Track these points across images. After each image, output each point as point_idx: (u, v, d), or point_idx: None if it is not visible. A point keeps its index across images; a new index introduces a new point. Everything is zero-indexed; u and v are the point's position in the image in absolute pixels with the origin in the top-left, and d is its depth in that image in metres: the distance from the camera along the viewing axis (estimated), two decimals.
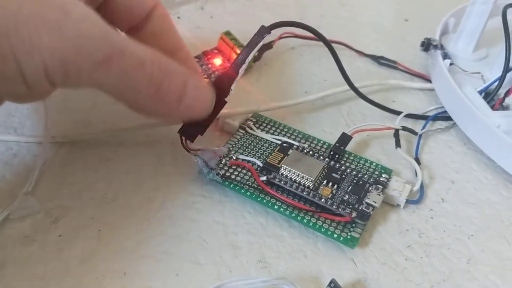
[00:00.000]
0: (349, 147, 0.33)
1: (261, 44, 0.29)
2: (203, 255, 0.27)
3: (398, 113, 0.37)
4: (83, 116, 0.34)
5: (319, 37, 0.32)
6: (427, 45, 0.41)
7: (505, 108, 0.37)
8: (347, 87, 0.36)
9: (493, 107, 0.36)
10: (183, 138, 0.29)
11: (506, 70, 0.36)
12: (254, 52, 0.29)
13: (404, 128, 0.35)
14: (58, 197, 0.29)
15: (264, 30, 0.29)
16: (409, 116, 0.37)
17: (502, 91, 0.37)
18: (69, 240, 0.27)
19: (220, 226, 0.28)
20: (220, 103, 0.29)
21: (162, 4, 0.29)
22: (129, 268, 0.26)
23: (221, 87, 0.29)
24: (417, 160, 0.34)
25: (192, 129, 0.29)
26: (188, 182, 0.31)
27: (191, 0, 0.47)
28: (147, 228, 0.28)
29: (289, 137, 0.34)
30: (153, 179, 0.30)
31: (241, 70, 0.29)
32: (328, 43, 0.33)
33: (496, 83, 0.37)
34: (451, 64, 0.40)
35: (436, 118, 0.38)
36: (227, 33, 0.40)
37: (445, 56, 0.40)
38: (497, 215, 0.31)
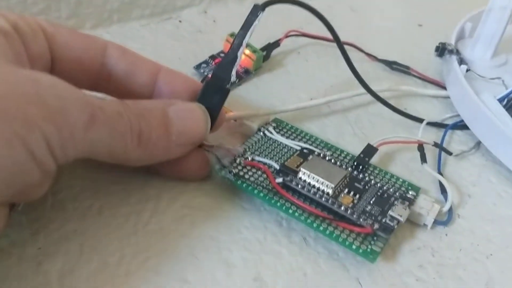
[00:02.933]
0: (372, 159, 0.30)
1: (256, 23, 0.27)
2: (193, 273, 0.24)
3: (415, 119, 0.35)
4: None
5: (323, 21, 0.31)
6: (441, 50, 0.38)
7: None
8: (355, 92, 0.34)
9: None
10: None
11: None
12: (250, 33, 0.27)
13: (436, 145, 0.32)
14: (40, 207, 0.27)
15: (257, 9, 0.27)
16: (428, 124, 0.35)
17: None
18: (49, 254, 0.25)
19: (213, 241, 0.26)
20: (223, 92, 0.28)
21: (112, 42, 0.28)
22: (111, 286, 0.23)
23: (221, 75, 0.28)
24: (441, 175, 0.31)
25: None
26: (180, 193, 0.28)
27: (194, 3, 0.45)
28: (133, 243, 0.25)
29: (310, 145, 0.31)
30: (143, 190, 0.28)
31: (239, 54, 0.27)
32: (333, 30, 0.32)
33: None
34: (467, 70, 0.37)
35: (455, 127, 0.35)
36: (233, 35, 0.38)
37: (461, 61, 0.38)
38: None
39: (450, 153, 0.32)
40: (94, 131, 0.22)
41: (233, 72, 0.27)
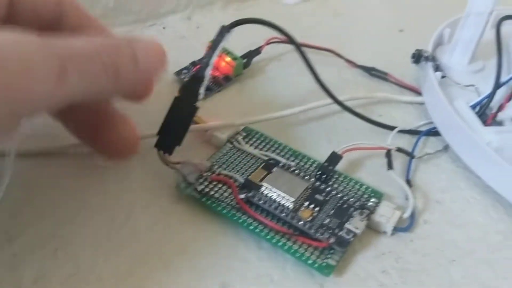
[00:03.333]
0: (339, 166, 0.31)
1: (222, 44, 0.28)
2: (164, 277, 0.25)
3: (386, 127, 0.35)
4: (51, 129, 0.33)
5: (287, 36, 0.31)
6: (418, 57, 0.39)
7: (499, 123, 0.35)
8: (329, 100, 0.35)
9: (485, 123, 0.34)
10: (161, 151, 0.29)
11: (497, 85, 0.34)
12: (216, 53, 0.28)
13: (399, 150, 0.33)
14: (18, 214, 0.28)
15: (224, 30, 0.28)
16: (401, 131, 0.36)
17: (496, 105, 0.35)
18: (24, 260, 0.26)
19: (184, 247, 0.27)
20: (192, 109, 0.28)
21: None
22: None
23: (190, 92, 0.28)
24: (409, 182, 0.32)
25: (168, 141, 0.29)
26: (153, 200, 0.29)
27: (178, 9, 0.46)
28: (106, 249, 0.26)
29: (278, 154, 0.32)
30: (117, 196, 0.29)
31: (207, 73, 0.28)
32: (297, 45, 0.32)
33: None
34: (443, 76, 0.38)
35: (428, 134, 0.36)
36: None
37: (437, 68, 0.38)
38: (484, 238, 0.29)
39: (412, 156, 0.33)
40: (68, 83, 0.21)
41: (201, 91, 0.28)
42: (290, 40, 0.32)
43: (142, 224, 0.28)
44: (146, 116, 0.34)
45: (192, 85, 0.28)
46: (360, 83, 0.41)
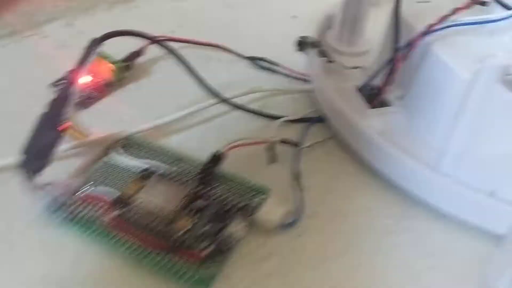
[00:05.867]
0: (224, 166, 0.30)
1: (91, 56, 0.27)
2: None
3: (274, 118, 0.35)
4: None
5: (146, 38, 0.32)
6: (302, 44, 0.38)
7: (387, 104, 0.34)
8: (213, 101, 0.34)
9: (371, 104, 0.34)
10: (27, 173, 0.27)
11: (381, 64, 0.33)
12: (85, 67, 0.27)
13: (284, 141, 0.32)
14: None
15: (94, 43, 0.27)
16: (289, 121, 0.35)
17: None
18: None
19: (50, 277, 0.25)
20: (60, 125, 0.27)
21: None
22: None
23: (58, 108, 0.27)
24: (297, 174, 0.31)
25: (36, 161, 0.27)
26: (21, 226, 0.27)
27: (57, 16, 0.44)
28: None
29: (161, 161, 0.30)
30: None
31: (73, 90, 0.27)
32: (156, 41, 0.33)
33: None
34: (331, 61, 0.37)
35: (318, 121, 0.35)
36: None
37: (324, 53, 0.37)
38: (374, 225, 0.29)
39: (297, 145, 0.32)
40: None
41: (70, 106, 0.27)
42: (147, 38, 0.32)
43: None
44: (12, 136, 0.32)
45: (60, 101, 0.27)
46: (250, 76, 0.40)
